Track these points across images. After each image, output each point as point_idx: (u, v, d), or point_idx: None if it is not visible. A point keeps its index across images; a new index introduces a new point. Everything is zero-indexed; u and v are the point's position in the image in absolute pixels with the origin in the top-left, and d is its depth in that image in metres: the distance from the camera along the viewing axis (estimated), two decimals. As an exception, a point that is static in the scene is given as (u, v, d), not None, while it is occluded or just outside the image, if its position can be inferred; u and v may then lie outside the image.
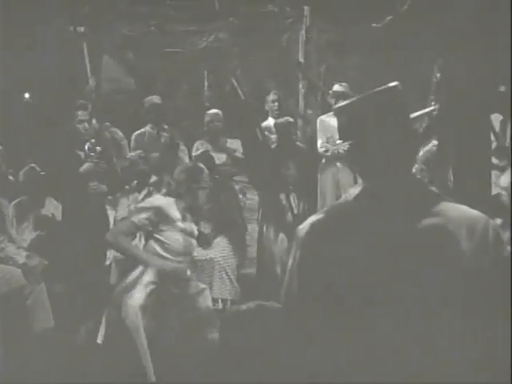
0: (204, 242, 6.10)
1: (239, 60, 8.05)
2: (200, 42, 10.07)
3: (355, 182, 7.64)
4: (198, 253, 6.04)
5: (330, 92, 6.86)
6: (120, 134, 6.72)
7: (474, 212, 1.90)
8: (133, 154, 6.34)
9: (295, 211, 6.18)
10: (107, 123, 6.39)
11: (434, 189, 2.31)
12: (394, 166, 1.96)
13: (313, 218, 1.98)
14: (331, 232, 1.91)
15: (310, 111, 6.16)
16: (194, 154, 6.87)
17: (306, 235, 1.93)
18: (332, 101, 7.18)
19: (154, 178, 6.36)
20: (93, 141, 5.72)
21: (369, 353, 1.81)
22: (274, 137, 6.64)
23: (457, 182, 4.22)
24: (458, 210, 1.89)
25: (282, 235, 6.19)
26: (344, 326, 1.84)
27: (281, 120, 6.52)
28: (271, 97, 7.19)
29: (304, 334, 1.89)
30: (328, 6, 6.52)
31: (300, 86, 8.71)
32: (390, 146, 1.96)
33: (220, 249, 6.08)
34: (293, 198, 6.20)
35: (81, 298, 5.37)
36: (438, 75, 9.70)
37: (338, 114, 2.12)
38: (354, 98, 2.08)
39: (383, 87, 2.03)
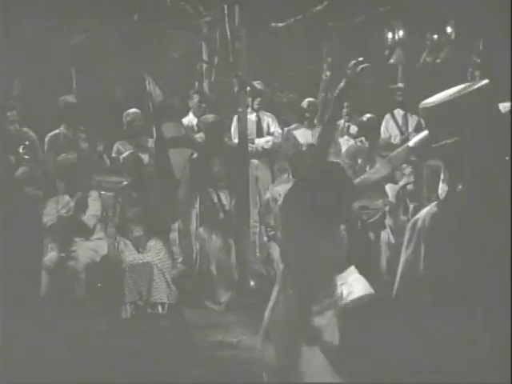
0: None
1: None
2: (71, 40, 9.76)
3: (273, 179, 7.67)
4: (135, 257, 5.91)
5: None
6: (33, 134, 6.37)
7: None
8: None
9: (227, 208, 6.18)
10: (16, 124, 6.04)
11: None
12: (490, 161, 2.07)
13: (428, 211, 2.03)
14: (452, 225, 1.98)
15: (240, 109, 6.19)
16: (114, 155, 6.66)
17: (429, 228, 1.99)
18: (249, 99, 7.28)
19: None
20: (27, 143, 5.39)
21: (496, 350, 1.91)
22: (198, 135, 6.60)
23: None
24: None
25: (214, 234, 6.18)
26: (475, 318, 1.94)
27: (206, 117, 6.48)
28: (196, 95, 7.15)
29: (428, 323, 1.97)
30: (242, 6, 6.56)
31: (204, 84, 8.74)
32: (487, 143, 2.07)
33: (156, 251, 5.96)
34: (224, 196, 6.19)
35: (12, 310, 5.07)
36: (328, 73, 10.17)
37: (426, 113, 2.18)
38: (444, 99, 2.14)
39: (476, 86, 2.12)
